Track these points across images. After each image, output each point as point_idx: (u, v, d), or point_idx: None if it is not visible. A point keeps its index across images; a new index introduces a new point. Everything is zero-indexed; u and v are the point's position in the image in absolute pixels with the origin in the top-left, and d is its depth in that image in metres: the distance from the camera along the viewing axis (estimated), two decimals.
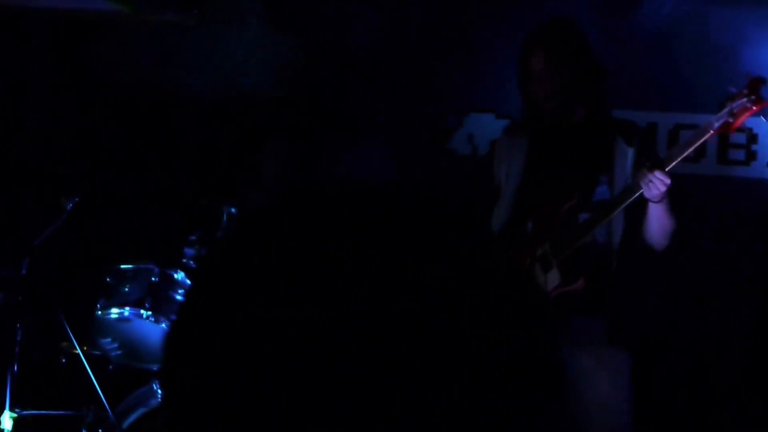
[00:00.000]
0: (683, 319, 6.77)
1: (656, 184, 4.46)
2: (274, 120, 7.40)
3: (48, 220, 6.14)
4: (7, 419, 5.54)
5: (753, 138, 6.90)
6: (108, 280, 6.12)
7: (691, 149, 4.46)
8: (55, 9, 7.32)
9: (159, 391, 5.81)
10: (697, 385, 6.84)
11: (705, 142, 4.53)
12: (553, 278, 4.76)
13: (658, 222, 4.70)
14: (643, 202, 4.65)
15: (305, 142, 7.26)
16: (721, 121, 4.33)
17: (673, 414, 6.67)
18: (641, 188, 4.53)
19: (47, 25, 7.63)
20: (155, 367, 6.17)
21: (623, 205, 4.65)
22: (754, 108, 4.27)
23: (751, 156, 6.90)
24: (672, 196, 4.62)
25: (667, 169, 4.44)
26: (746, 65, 6.81)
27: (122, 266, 6.16)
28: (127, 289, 6.10)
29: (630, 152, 4.72)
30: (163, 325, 5.99)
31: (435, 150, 7.37)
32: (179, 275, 6.13)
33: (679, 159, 4.47)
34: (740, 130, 4.43)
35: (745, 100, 4.28)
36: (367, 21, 7.30)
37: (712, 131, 4.36)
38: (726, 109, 4.31)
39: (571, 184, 4.82)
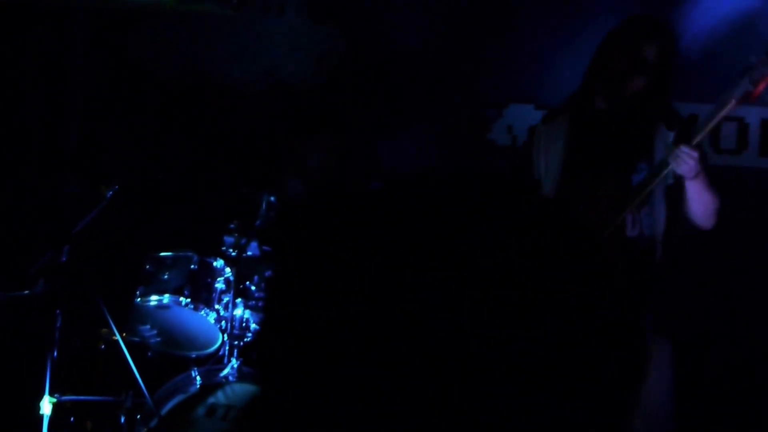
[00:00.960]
0: (726, 313, 6.74)
1: (684, 158, 4.45)
2: (315, 110, 7.42)
3: (88, 208, 6.15)
4: (47, 404, 5.56)
5: None
6: (147, 267, 6.15)
7: (715, 121, 4.40)
8: (96, 1, 7.38)
9: (197, 378, 5.83)
10: (739, 377, 6.81)
11: (728, 115, 4.45)
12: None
13: (698, 199, 4.67)
14: (682, 185, 4.63)
15: (347, 133, 7.27)
16: (741, 90, 4.28)
17: (715, 406, 6.64)
18: (670, 165, 4.52)
19: (89, 15, 7.67)
20: (194, 354, 6.20)
21: (655, 182, 4.64)
22: None
23: None
24: (709, 174, 4.60)
25: (694, 143, 4.43)
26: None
27: (162, 254, 6.18)
28: (166, 277, 6.12)
29: (671, 136, 4.69)
30: (202, 312, 6.02)
31: (475, 140, 7.37)
32: (218, 263, 6.16)
33: (705, 131, 4.44)
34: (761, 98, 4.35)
35: (765, 67, 4.23)
36: (406, 13, 7.31)
37: (734, 100, 4.31)
38: (746, 78, 4.26)
39: (609, 171, 4.80)
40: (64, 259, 5.97)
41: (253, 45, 7.58)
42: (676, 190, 4.69)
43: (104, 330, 6.19)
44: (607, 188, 4.75)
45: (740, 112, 6.91)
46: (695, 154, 4.46)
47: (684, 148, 4.44)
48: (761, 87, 4.25)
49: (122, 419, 5.83)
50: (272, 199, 6.25)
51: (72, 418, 5.95)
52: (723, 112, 4.36)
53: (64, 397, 5.80)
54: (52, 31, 7.65)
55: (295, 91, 7.49)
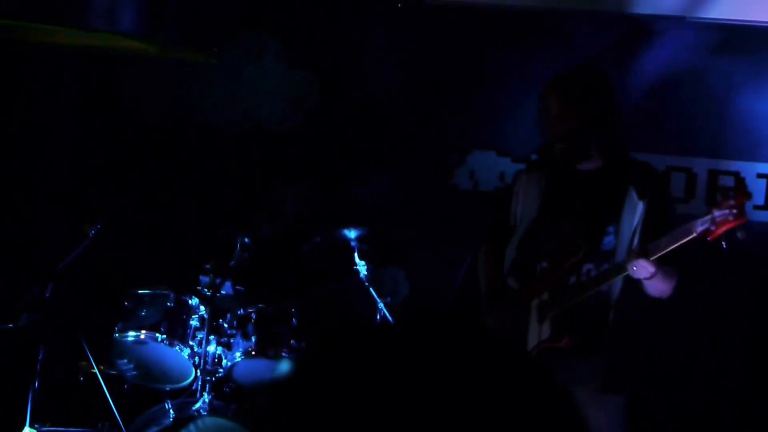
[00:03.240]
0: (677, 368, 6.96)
1: (640, 271, 4.58)
2: (289, 155, 7.67)
3: (71, 245, 6.40)
4: None
5: None
6: (126, 304, 6.42)
7: (675, 245, 4.51)
8: (84, 45, 7.57)
9: (170, 411, 6.08)
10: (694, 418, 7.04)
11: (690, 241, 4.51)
12: (544, 331, 4.89)
13: (654, 289, 4.78)
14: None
15: (319, 178, 7.54)
16: (704, 227, 4.41)
17: None
18: (627, 270, 4.66)
19: (76, 60, 7.88)
20: (168, 387, 6.46)
21: (608, 282, 4.78)
22: (735, 222, 4.34)
23: None
24: (667, 266, 4.69)
25: (651, 258, 4.54)
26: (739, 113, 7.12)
27: (140, 291, 6.45)
28: (144, 313, 6.39)
29: (640, 206, 4.76)
30: (177, 348, 6.28)
31: (438, 185, 7.67)
32: (194, 301, 6.43)
33: (663, 252, 4.54)
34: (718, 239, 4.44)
35: (727, 212, 4.36)
36: (377, 62, 7.59)
37: (695, 234, 4.44)
38: (710, 216, 4.40)
39: (579, 233, 4.91)
40: (47, 294, 6.21)
41: (231, 90, 7.83)
42: None
43: (83, 363, 6.43)
44: (575, 259, 4.88)
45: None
46: (652, 270, 4.57)
47: (642, 263, 4.55)
48: (721, 230, 4.35)
49: None
50: (246, 240, 6.52)
51: None
52: (684, 240, 4.48)
53: (44, 428, 6.05)
54: (41, 72, 7.85)
55: (271, 135, 7.72)
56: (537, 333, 4.93)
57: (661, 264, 4.64)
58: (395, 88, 7.64)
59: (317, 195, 7.41)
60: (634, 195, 4.82)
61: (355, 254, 6.61)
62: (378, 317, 6.51)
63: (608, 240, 4.87)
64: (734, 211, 4.33)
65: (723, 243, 4.41)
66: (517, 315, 5.03)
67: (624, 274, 4.72)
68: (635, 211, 4.79)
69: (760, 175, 7.30)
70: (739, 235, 4.45)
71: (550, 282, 4.94)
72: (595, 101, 4.98)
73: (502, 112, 7.57)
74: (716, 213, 4.36)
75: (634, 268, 4.61)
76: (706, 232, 4.39)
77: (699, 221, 4.43)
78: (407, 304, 7.23)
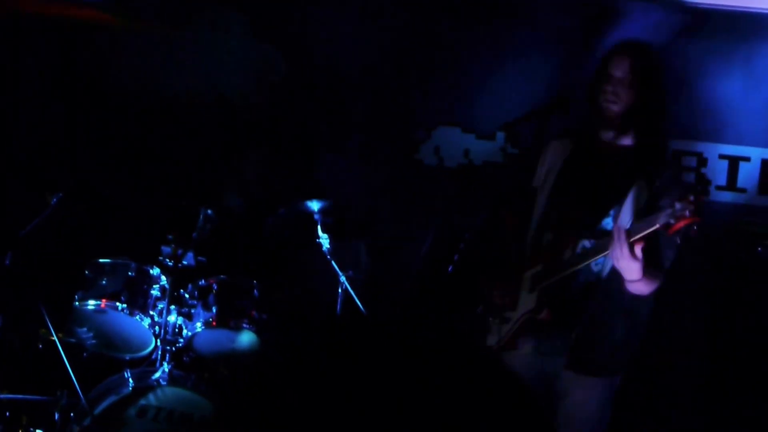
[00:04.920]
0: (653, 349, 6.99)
1: (615, 252, 4.60)
2: (254, 127, 7.66)
3: (33, 214, 6.37)
4: None
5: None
6: (87, 273, 6.41)
7: (640, 235, 4.54)
8: (49, 14, 7.53)
9: (130, 380, 6.07)
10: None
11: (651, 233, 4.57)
12: (530, 302, 4.96)
13: (631, 287, 4.81)
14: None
15: (283, 150, 7.54)
16: (664, 220, 4.44)
17: None
18: (607, 250, 4.69)
19: (40, 28, 7.83)
20: (127, 357, 6.45)
21: (589, 259, 4.80)
22: (691, 219, 4.40)
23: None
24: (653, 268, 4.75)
25: (629, 241, 4.56)
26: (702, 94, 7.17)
27: (101, 260, 6.44)
28: (104, 282, 6.39)
29: (644, 195, 4.80)
30: (137, 317, 6.28)
31: (404, 160, 7.68)
32: (155, 271, 6.43)
33: (635, 238, 4.55)
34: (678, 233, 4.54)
35: (686, 209, 4.40)
36: (344, 37, 7.58)
37: (657, 225, 4.48)
38: (670, 210, 4.44)
39: (584, 209, 4.95)
40: (7, 262, 6.18)
41: (197, 62, 7.80)
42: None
43: (43, 331, 6.39)
44: (576, 235, 4.92)
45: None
46: (628, 255, 4.59)
47: (619, 245, 4.59)
48: (681, 224, 4.44)
49: (56, 417, 6.05)
50: (209, 212, 6.52)
51: (8, 413, 6.15)
52: (649, 230, 4.52)
53: (2, 395, 6.04)
54: (3, 40, 7.81)
55: (236, 107, 7.71)
56: (525, 303, 5.01)
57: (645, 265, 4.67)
58: (361, 62, 7.63)
59: (282, 168, 7.40)
60: (642, 183, 4.87)
61: (318, 227, 6.61)
62: (339, 290, 6.52)
63: (607, 221, 4.91)
64: (692, 207, 4.39)
65: (695, 227, 4.48)
66: (511, 284, 5.07)
67: (603, 253, 4.74)
68: (639, 199, 4.84)
69: (722, 156, 7.35)
70: (692, 232, 4.52)
71: (548, 255, 4.98)
72: (659, 80, 5.03)
73: (468, 88, 7.59)
74: (678, 206, 4.42)
75: (614, 250, 4.64)
76: (667, 225, 4.46)
77: (663, 214, 4.48)
78: (369, 277, 7.23)
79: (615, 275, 4.82)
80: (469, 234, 5.50)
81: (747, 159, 7.45)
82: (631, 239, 4.58)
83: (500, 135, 7.58)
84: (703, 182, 7.18)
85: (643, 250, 4.62)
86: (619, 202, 4.86)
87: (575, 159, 5.11)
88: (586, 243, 4.89)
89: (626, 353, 5.02)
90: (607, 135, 5.02)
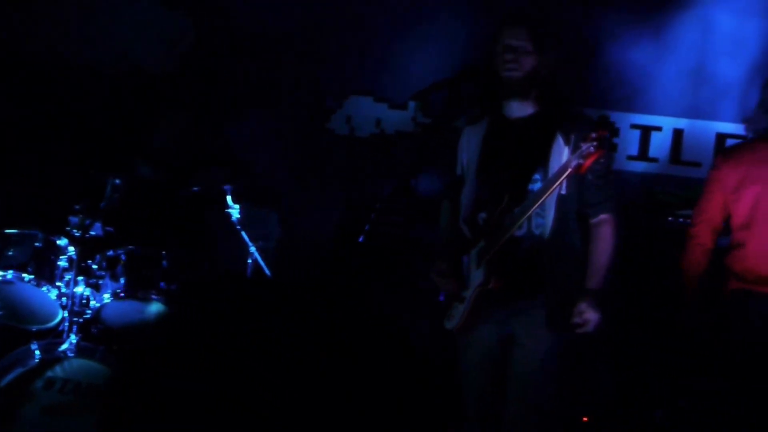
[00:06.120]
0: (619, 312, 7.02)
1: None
2: (165, 94, 7.60)
3: None
4: None
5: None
6: None
7: (561, 179, 4.71)
8: None
9: (36, 351, 6.00)
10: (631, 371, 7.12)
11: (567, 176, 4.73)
12: (478, 276, 5.02)
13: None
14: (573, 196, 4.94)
15: (195, 119, 7.48)
16: (575, 162, 4.61)
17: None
18: (533, 207, 4.83)
19: None
20: (34, 328, 6.37)
21: (520, 223, 4.87)
22: (596, 154, 4.57)
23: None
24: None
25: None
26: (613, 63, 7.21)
27: (7, 231, 6.33)
28: (11, 253, 6.28)
29: (566, 151, 4.85)
30: (44, 288, 6.20)
31: (315, 129, 7.65)
32: (62, 242, 6.33)
33: (554, 187, 4.74)
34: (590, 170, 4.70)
35: (590, 146, 4.56)
36: (254, 5, 7.54)
37: (570, 169, 4.65)
38: (579, 151, 4.61)
39: (509, 180, 5.00)
40: None
41: (108, 30, 7.72)
42: (568, 198, 4.93)
43: None
44: (502, 206, 4.98)
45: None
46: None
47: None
48: (589, 161, 4.57)
49: None
50: (117, 181, 6.44)
51: None
52: (566, 174, 4.66)
53: None
54: None
55: (146, 75, 7.64)
56: (475, 279, 5.06)
57: None
58: (273, 31, 7.60)
59: (193, 137, 7.34)
60: (560, 141, 4.91)
61: (228, 197, 6.57)
62: (249, 260, 6.49)
63: (533, 188, 4.95)
64: (595, 143, 4.50)
65: (601, 160, 4.60)
66: (456, 267, 5.12)
67: (531, 209, 4.84)
68: (561, 158, 4.86)
69: (633, 126, 7.42)
70: (600, 165, 4.70)
71: (486, 230, 5.03)
72: (556, 47, 5.08)
73: (380, 58, 7.59)
74: (583, 146, 4.53)
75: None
76: (578, 166, 4.57)
77: (573, 157, 4.60)
78: (281, 247, 7.21)
79: (559, 233, 4.94)
80: (380, 203, 5.52)
81: (659, 128, 7.52)
82: (552, 188, 4.73)
83: (412, 104, 7.60)
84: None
85: (579, 190, 4.90)
86: (543, 165, 4.93)
87: (491, 137, 5.16)
88: (517, 210, 4.92)
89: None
90: (514, 104, 5.08)
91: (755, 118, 5.67)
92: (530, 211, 4.83)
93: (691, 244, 5.78)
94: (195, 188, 6.66)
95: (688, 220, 6.93)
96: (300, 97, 7.66)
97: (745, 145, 5.65)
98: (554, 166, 4.87)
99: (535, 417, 4.97)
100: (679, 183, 7.25)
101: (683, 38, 7.40)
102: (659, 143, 7.47)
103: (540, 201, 4.77)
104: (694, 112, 7.49)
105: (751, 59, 7.41)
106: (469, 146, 5.23)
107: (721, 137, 7.52)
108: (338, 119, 7.69)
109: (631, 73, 7.28)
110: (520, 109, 5.08)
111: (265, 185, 7.09)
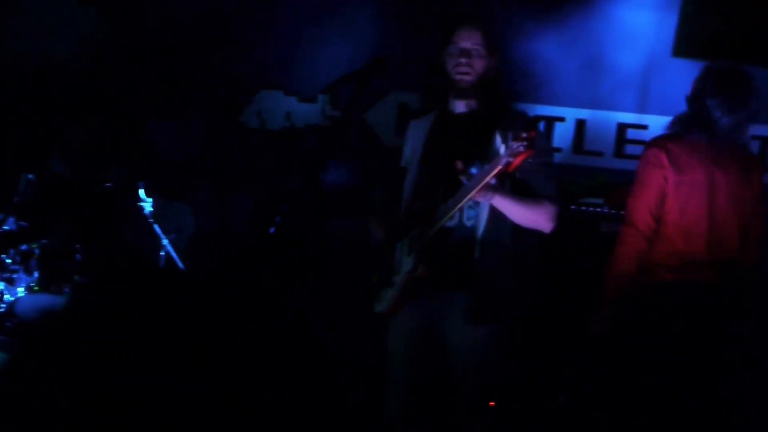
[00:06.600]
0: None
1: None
2: (78, 90, 7.60)
3: None
4: None
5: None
6: None
7: (488, 178, 4.69)
8: None
9: None
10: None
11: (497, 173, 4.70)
12: (409, 263, 5.06)
13: (510, 213, 4.98)
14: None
15: (108, 114, 7.50)
16: (505, 160, 4.59)
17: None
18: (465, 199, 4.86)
19: None
20: None
21: (451, 214, 4.91)
22: (525, 154, 4.56)
23: None
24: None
25: (477, 189, 4.75)
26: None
27: None
28: None
29: (502, 149, 4.80)
30: None
31: (226, 123, 7.77)
32: None
33: (484, 182, 4.71)
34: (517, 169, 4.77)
35: (520, 144, 4.55)
36: (167, 1, 7.59)
37: (500, 166, 4.62)
38: (509, 150, 4.59)
39: (446, 173, 5.01)
40: None
41: (21, 26, 7.72)
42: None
43: None
44: (444, 188, 5.04)
45: None
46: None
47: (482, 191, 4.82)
48: (518, 160, 4.63)
49: None
50: (30, 177, 6.48)
51: None
52: (496, 170, 4.63)
53: None
54: None
55: (60, 73, 7.64)
56: (405, 265, 5.12)
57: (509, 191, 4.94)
58: (184, 27, 7.65)
59: (106, 132, 7.37)
60: (498, 138, 4.97)
61: (141, 191, 6.62)
62: (162, 253, 6.55)
63: (465, 183, 4.97)
64: (525, 143, 4.58)
65: (530, 160, 4.68)
66: (393, 253, 5.22)
67: (462, 202, 4.88)
68: (497, 154, 4.84)
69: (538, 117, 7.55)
70: (528, 165, 4.71)
71: (420, 219, 5.12)
72: (498, 46, 5.22)
73: (289, 52, 7.67)
74: (514, 145, 4.61)
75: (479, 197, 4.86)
76: (508, 164, 4.65)
77: (504, 154, 4.66)
78: (193, 239, 7.27)
79: (493, 229, 5.02)
80: (290, 195, 5.59)
81: (562, 119, 7.68)
82: (482, 183, 4.76)
83: (322, 97, 7.70)
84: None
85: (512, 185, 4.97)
86: (479, 160, 4.99)
87: (435, 131, 5.26)
88: (450, 202, 5.04)
89: (515, 301, 5.17)
90: (461, 103, 5.19)
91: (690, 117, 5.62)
92: (460, 204, 4.91)
93: (626, 249, 5.53)
94: (108, 183, 6.71)
95: (591, 209, 7.11)
96: (212, 91, 7.73)
97: (676, 139, 5.56)
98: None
99: (472, 407, 5.07)
100: (582, 172, 7.38)
101: (584, 31, 7.57)
102: (562, 133, 7.63)
103: (469, 195, 4.82)
104: (596, 103, 7.66)
105: (649, 51, 7.60)
106: (413, 139, 5.33)
107: (622, 127, 7.69)
108: (250, 113, 7.78)
109: (534, 66, 7.43)
110: (464, 105, 5.18)
111: (178, 179, 7.14)
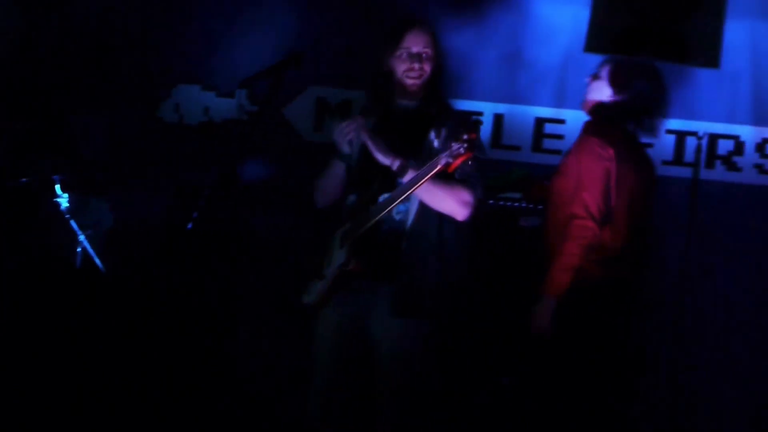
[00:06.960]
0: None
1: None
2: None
3: None
4: None
5: None
6: None
7: (426, 178, 4.81)
8: None
9: None
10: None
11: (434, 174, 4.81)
12: (340, 256, 5.12)
13: (419, 193, 5.04)
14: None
15: (24, 109, 7.46)
16: (444, 161, 4.71)
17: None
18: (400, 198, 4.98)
19: None
20: None
21: (386, 211, 5.00)
22: (465, 155, 4.67)
23: None
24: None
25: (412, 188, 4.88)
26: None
27: None
28: None
29: (435, 144, 5.03)
30: None
31: (144, 118, 7.77)
32: None
33: (414, 188, 4.86)
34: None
35: (461, 147, 4.67)
36: None
37: (439, 166, 4.75)
38: (448, 151, 4.71)
39: (381, 169, 5.08)
40: None
41: None
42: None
43: None
44: (378, 184, 5.09)
45: None
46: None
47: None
48: (458, 162, 4.70)
49: None
50: None
51: None
52: (435, 171, 4.75)
53: None
54: None
55: None
56: (337, 259, 5.17)
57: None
58: (104, 20, 7.63)
59: (22, 127, 7.33)
60: (433, 136, 5.10)
61: (57, 186, 6.59)
62: (78, 249, 6.52)
63: (403, 179, 5.05)
64: (465, 145, 4.65)
65: (470, 162, 4.73)
66: (324, 247, 5.24)
67: (398, 201, 4.97)
68: (430, 154, 5.02)
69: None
70: (468, 167, 4.82)
71: (353, 213, 5.18)
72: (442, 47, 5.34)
73: (207, 46, 7.68)
74: (454, 146, 4.68)
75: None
76: (447, 164, 4.71)
77: (444, 155, 4.74)
78: (111, 235, 7.25)
79: (421, 222, 5.09)
80: (208, 190, 5.61)
81: (480, 114, 7.73)
82: (419, 183, 4.86)
83: (240, 92, 7.72)
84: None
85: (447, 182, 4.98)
86: (413, 158, 5.06)
87: (378, 127, 5.28)
88: (386, 196, 5.08)
89: (442, 296, 5.21)
90: (404, 103, 5.25)
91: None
92: (395, 203, 4.97)
93: (582, 244, 5.46)
94: (23, 179, 6.67)
95: (509, 203, 7.15)
96: (129, 86, 7.72)
97: (616, 131, 5.59)
98: (425, 160, 5.00)
99: (400, 401, 5.10)
100: (500, 166, 7.43)
101: (501, 25, 7.64)
102: (481, 128, 7.67)
103: (405, 195, 4.92)
104: (513, 97, 7.72)
105: (566, 45, 7.67)
106: (357, 135, 5.34)
107: (539, 121, 7.75)
108: (167, 108, 7.79)
109: (452, 61, 7.46)
110: (408, 103, 5.26)
111: (95, 174, 7.12)
